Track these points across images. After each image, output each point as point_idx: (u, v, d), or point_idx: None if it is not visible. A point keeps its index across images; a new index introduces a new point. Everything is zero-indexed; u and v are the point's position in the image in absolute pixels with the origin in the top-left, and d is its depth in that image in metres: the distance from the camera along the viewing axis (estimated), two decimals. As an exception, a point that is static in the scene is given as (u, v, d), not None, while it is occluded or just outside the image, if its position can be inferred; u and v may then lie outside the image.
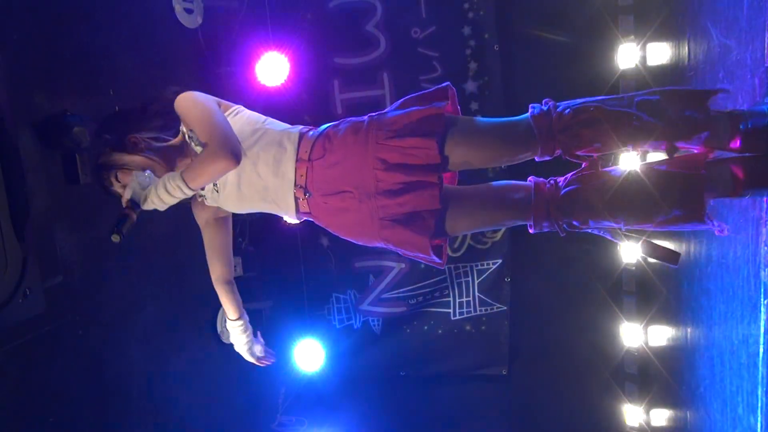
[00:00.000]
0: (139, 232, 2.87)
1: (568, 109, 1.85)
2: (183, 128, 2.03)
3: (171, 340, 3.12)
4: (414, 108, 1.92)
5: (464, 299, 3.96)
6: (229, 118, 1.98)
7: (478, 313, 3.96)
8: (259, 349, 2.39)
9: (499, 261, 3.89)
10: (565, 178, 1.95)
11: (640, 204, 1.85)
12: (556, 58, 3.66)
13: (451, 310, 3.99)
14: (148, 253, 2.93)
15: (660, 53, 3.43)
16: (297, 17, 3.83)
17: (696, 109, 1.80)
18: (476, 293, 3.95)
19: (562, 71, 3.63)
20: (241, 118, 2.01)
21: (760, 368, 1.79)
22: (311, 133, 2.00)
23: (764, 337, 1.77)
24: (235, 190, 1.99)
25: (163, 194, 1.86)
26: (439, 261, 1.99)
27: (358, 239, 2.03)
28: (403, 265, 3.98)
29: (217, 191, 2.02)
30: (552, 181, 1.96)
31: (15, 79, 2.17)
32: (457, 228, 2.00)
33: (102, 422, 2.58)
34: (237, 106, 2.07)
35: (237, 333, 2.31)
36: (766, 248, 1.75)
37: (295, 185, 1.94)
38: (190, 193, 1.87)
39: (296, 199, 1.97)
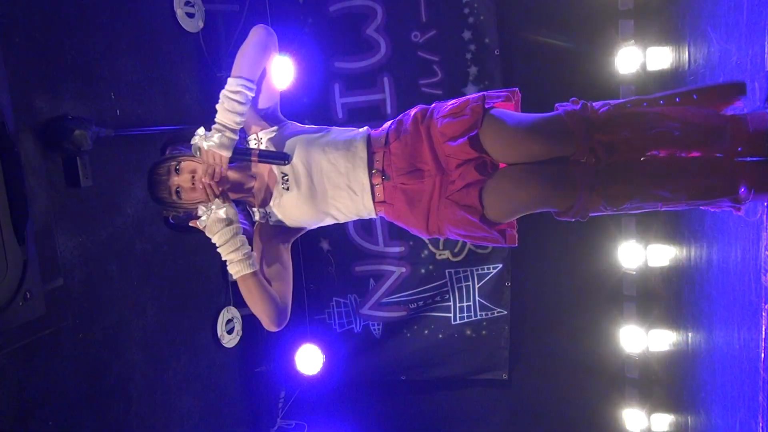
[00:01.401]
0: (140, 235, 2.88)
1: (606, 107, 1.87)
2: (250, 141, 2.03)
3: (171, 344, 3.12)
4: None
5: (465, 304, 3.96)
6: (283, 128, 2.04)
7: (479, 317, 3.95)
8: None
9: (500, 266, 3.88)
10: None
11: (666, 184, 1.86)
12: (556, 63, 3.67)
13: (451, 315, 3.98)
14: (148, 257, 2.94)
15: (660, 58, 3.43)
16: (298, 21, 3.84)
17: (713, 113, 1.85)
18: (477, 298, 3.94)
19: (562, 76, 3.64)
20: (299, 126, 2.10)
21: (761, 373, 1.79)
22: (379, 130, 2.07)
23: (765, 342, 1.77)
24: (307, 183, 1.97)
25: (225, 109, 1.86)
26: (503, 243, 1.99)
27: (416, 220, 2.01)
28: (403, 270, 3.98)
29: (288, 188, 1.98)
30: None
31: (16, 83, 2.18)
32: (496, 213, 1.96)
33: (102, 426, 2.58)
34: None
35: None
36: (766, 253, 1.75)
37: (373, 170, 1.97)
38: (251, 87, 1.88)
39: (373, 185, 1.98)
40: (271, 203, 2.01)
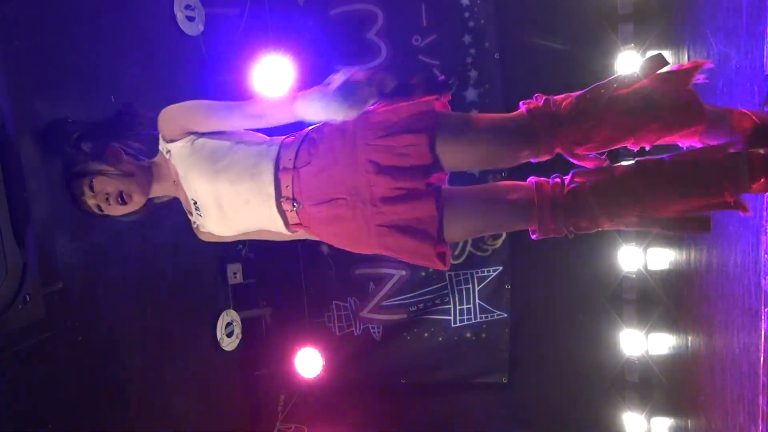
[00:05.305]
0: (140, 238, 2.88)
1: (568, 98, 1.78)
2: (161, 147, 1.92)
3: (170, 347, 3.11)
4: (401, 103, 1.80)
5: (465, 306, 3.96)
6: (205, 137, 1.87)
7: (479, 320, 3.95)
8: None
9: (500, 268, 3.88)
10: (570, 175, 1.84)
11: (655, 195, 1.73)
12: (556, 66, 3.67)
13: (451, 317, 3.98)
14: (148, 260, 2.94)
15: (660, 61, 3.43)
16: (298, 24, 3.85)
17: (683, 90, 1.73)
18: (477, 300, 3.94)
19: (562, 79, 3.62)
20: (218, 136, 1.89)
21: (761, 376, 1.78)
22: (291, 139, 1.88)
23: (765, 345, 1.77)
24: (216, 212, 1.88)
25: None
26: (443, 267, 1.88)
27: (355, 248, 1.91)
28: (403, 272, 3.97)
29: (201, 215, 1.91)
30: (555, 179, 1.83)
31: (17, 86, 2.18)
32: (454, 234, 1.86)
33: (101, 429, 2.57)
34: None
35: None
36: (766, 256, 1.75)
37: (282, 197, 1.82)
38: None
39: (283, 211, 1.84)
40: (193, 222, 1.97)
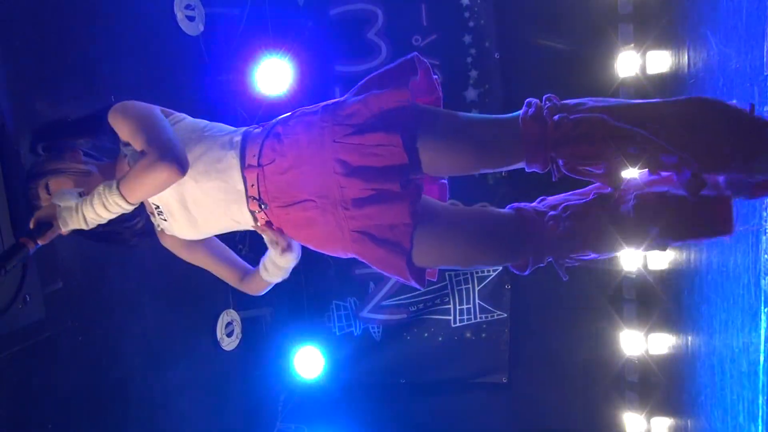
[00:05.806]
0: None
1: (568, 119, 1.57)
2: (122, 147, 1.77)
3: (171, 347, 3.11)
4: (372, 93, 1.62)
5: (465, 306, 3.96)
6: None
7: (479, 320, 3.95)
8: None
9: (500, 268, 3.88)
10: (565, 205, 1.68)
11: (662, 228, 1.65)
12: (556, 66, 3.67)
13: (451, 317, 3.98)
14: (148, 259, 2.93)
15: (660, 61, 3.44)
16: (298, 24, 3.85)
17: (743, 138, 1.48)
18: (477, 300, 3.94)
19: (562, 79, 3.64)
20: (180, 128, 1.73)
21: (761, 376, 1.78)
22: (257, 132, 1.74)
23: (765, 345, 1.77)
24: (183, 214, 1.73)
25: (99, 208, 1.52)
26: (419, 288, 1.73)
27: (331, 251, 1.78)
28: (403, 273, 3.97)
29: (165, 219, 1.78)
30: (550, 215, 1.67)
31: (16, 85, 2.18)
32: (423, 260, 1.66)
33: (101, 429, 2.58)
34: (178, 114, 1.80)
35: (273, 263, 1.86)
36: (766, 256, 1.75)
37: (248, 196, 1.68)
38: (128, 208, 1.56)
39: (252, 212, 1.71)
40: (157, 225, 1.85)
